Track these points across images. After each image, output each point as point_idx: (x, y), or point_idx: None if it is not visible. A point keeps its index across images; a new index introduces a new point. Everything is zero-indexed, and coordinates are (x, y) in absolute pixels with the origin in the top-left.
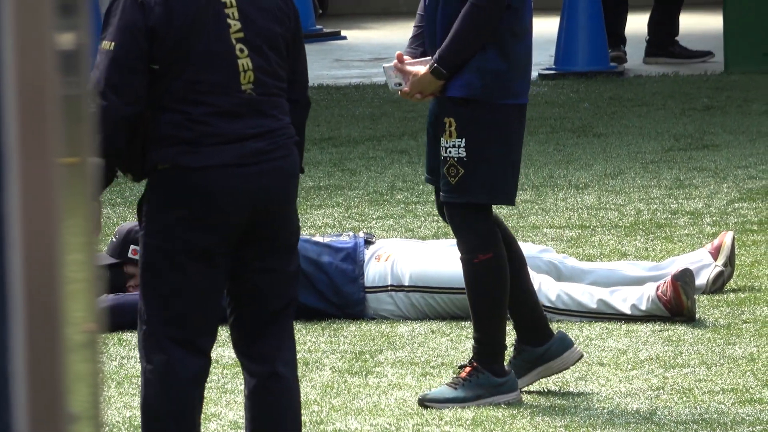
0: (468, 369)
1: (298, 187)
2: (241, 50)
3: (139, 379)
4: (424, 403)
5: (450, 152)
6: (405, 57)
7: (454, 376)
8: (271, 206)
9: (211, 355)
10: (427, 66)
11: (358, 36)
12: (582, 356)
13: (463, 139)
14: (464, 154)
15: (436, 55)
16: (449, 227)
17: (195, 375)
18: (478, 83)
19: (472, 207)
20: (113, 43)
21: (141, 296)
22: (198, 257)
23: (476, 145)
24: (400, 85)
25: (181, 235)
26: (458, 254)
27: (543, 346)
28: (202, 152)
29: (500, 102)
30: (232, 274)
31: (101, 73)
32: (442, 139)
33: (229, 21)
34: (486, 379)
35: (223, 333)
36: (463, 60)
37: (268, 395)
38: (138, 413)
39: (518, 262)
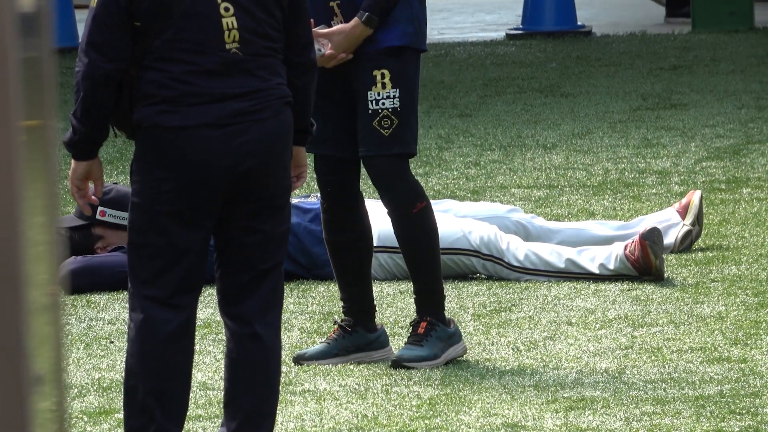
0: (424, 324)
1: (289, 146)
2: (226, 9)
3: (107, 341)
4: (402, 364)
5: (384, 104)
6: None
7: (412, 333)
8: (254, 167)
9: (196, 314)
10: (347, 24)
11: None
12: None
13: (398, 89)
14: (398, 104)
15: (363, 5)
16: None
17: (171, 332)
18: (411, 31)
19: (404, 157)
20: (96, 0)
21: (128, 256)
22: (178, 218)
23: (408, 93)
24: (320, 51)
25: (161, 195)
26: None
27: (375, 333)
28: (181, 111)
29: (423, 49)
30: (219, 230)
31: (84, 31)
32: (370, 93)
33: None
34: (442, 331)
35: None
36: (390, 7)
37: (245, 356)
38: (107, 375)
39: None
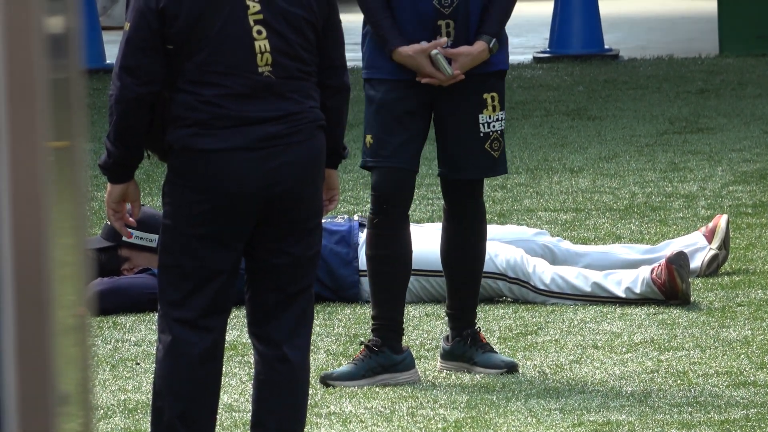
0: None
1: (321, 170)
2: (259, 32)
3: (133, 363)
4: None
5: (494, 126)
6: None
7: (481, 342)
8: (287, 190)
9: (225, 336)
10: (472, 46)
11: (349, 19)
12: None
13: (503, 112)
14: (504, 126)
15: (489, 31)
16: (448, 208)
17: (199, 354)
18: (507, 55)
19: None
20: (128, 24)
21: (158, 277)
22: (209, 240)
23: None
24: (446, 69)
25: (192, 218)
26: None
27: (401, 355)
28: (212, 135)
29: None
30: (249, 252)
31: (118, 54)
32: (481, 116)
33: (248, 2)
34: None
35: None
36: (501, 32)
37: (274, 377)
38: (132, 396)
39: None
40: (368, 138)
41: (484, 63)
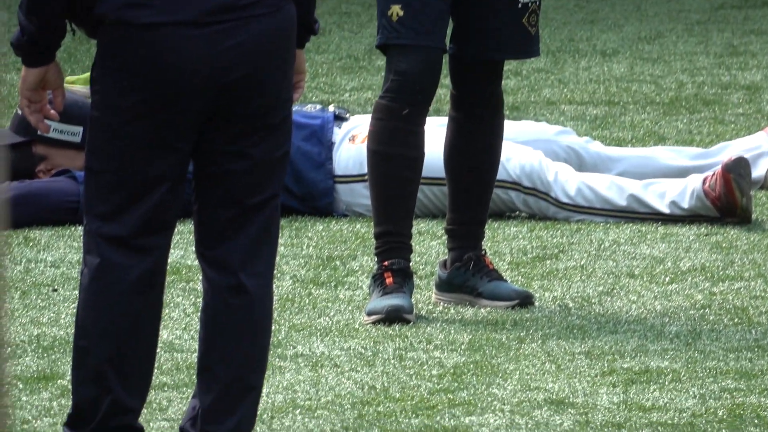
0: (487, 258)
1: (291, 50)
2: None
3: (49, 288)
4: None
5: None
6: None
7: (489, 268)
8: (245, 76)
9: (167, 258)
10: None
11: None
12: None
13: None
14: None
15: None
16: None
17: (134, 281)
18: None
19: None
20: None
21: (84, 184)
22: (146, 139)
23: None
24: None
25: (125, 110)
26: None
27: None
28: (151, 5)
29: None
30: (198, 154)
31: None
32: None
33: None
34: None
35: None
36: None
37: (226, 313)
38: (48, 331)
39: None
40: (395, 8)
41: None
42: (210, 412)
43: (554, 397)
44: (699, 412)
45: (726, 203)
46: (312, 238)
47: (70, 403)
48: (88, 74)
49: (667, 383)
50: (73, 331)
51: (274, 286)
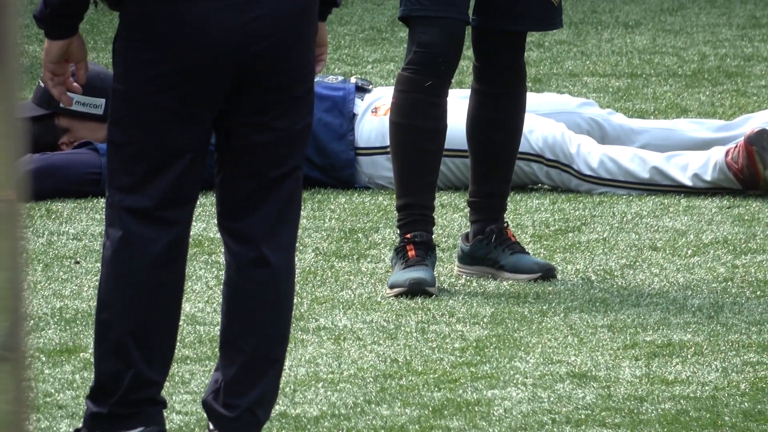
0: (509, 231)
1: (314, 22)
2: None
3: (71, 261)
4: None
5: None
6: None
7: (511, 241)
8: (269, 48)
9: (190, 231)
10: None
11: None
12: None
13: None
14: None
15: None
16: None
17: (157, 254)
18: None
19: None
20: None
21: (107, 156)
22: (170, 111)
23: None
24: None
25: (150, 82)
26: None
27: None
28: None
29: None
30: (221, 126)
31: None
32: None
33: None
34: None
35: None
36: None
37: (249, 285)
38: (70, 304)
39: None
40: None
41: None
42: (232, 385)
43: (576, 370)
44: (721, 385)
45: (748, 175)
46: (334, 210)
47: (93, 376)
48: None
49: (689, 356)
50: (95, 304)
51: (296, 258)
